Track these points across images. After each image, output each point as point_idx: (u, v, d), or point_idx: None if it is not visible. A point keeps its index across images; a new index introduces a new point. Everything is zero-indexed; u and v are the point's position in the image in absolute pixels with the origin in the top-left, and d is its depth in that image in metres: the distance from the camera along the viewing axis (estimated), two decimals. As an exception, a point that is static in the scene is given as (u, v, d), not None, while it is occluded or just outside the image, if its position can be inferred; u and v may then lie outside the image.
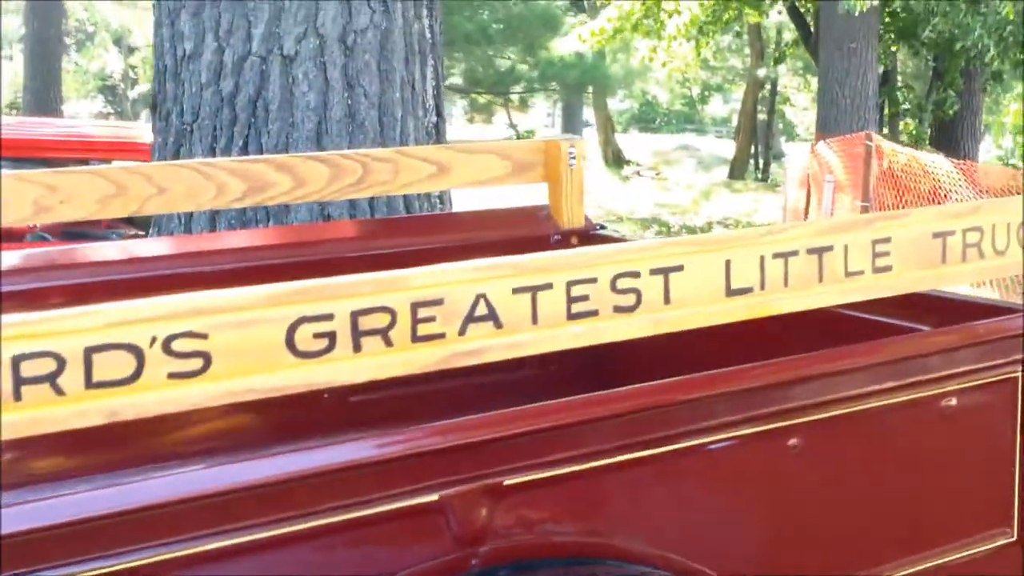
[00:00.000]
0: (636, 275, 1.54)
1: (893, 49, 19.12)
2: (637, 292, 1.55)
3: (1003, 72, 18.10)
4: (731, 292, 1.62)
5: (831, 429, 1.79)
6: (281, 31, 4.36)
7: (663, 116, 47.80)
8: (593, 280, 1.51)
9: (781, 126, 35.89)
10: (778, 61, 25.20)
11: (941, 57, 18.66)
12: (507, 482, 1.52)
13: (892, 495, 1.90)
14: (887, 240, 1.74)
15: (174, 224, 4.41)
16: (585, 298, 1.51)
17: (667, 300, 1.57)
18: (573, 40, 20.13)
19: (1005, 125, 31.55)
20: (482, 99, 26.25)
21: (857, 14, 14.04)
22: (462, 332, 1.44)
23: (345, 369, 1.37)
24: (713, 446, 1.70)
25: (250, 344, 1.31)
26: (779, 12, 22.03)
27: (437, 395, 3.15)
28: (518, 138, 29.77)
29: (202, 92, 4.46)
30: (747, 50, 29.39)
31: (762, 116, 30.01)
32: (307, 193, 3.00)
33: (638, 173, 26.75)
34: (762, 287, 1.64)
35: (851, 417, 1.80)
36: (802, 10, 20.21)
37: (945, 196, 7.47)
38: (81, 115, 33.04)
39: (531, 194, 3.38)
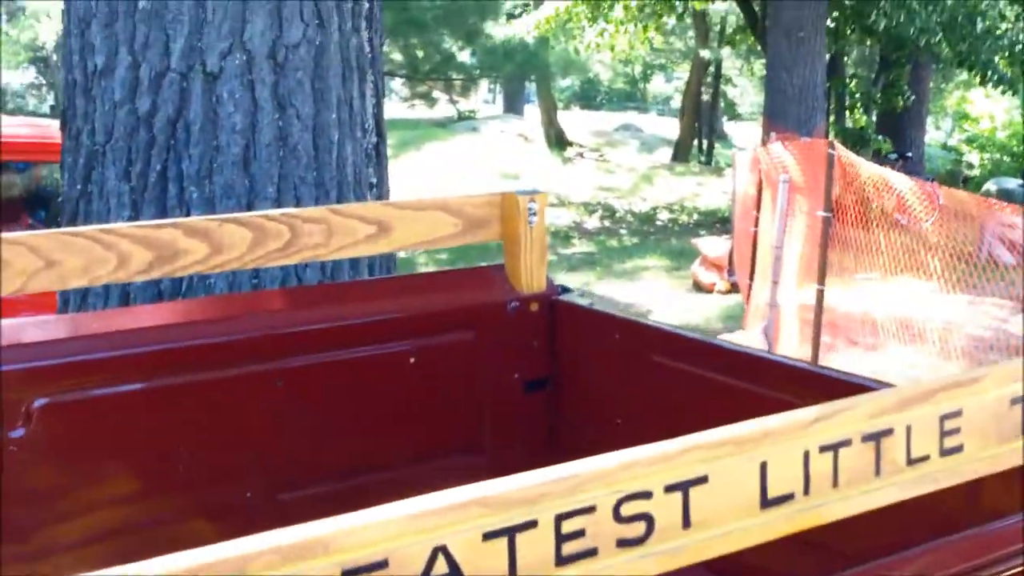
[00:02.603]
0: (647, 496, 1.15)
1: (842, 39, 18.86)
2: (648, 519, 1.15)
3: (951, 59, 17.92)
4: (767, 503, 1.23)
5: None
6: (203, 45, 3.90)
7: (605, 94, 47.46)
8: (590, 510, 1.12)
9: (723, 105, 35.68)
10: (726, 44, 24.91)
11: (888, 45, 18.44)
12: None
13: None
14: (957, 414, 1.36)
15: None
16: (580, 534, 1.11)
17: (686, 524, 1.17)
18: (516, 26, 19.73)
19: (946, 109, 31.64)
20: (423, 86, 25.65)
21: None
22: (414, 601, 1.03)
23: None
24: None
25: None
26: None
27: (371, 486, 2.76)
28: (460, 118, 29.20)
29: (116, 111, 3.99)
30: (691, 32, 29.06)
31: (706, 97, 29.72)
32: (225, 261, 2.58)
33: (581, 155, 26.37)
34: (806, 492, 1.25)
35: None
36: (749, -4, 19.90)
37: (908, 213, 7.18)
38: (12, 85, 32.10)
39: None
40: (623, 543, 1.14)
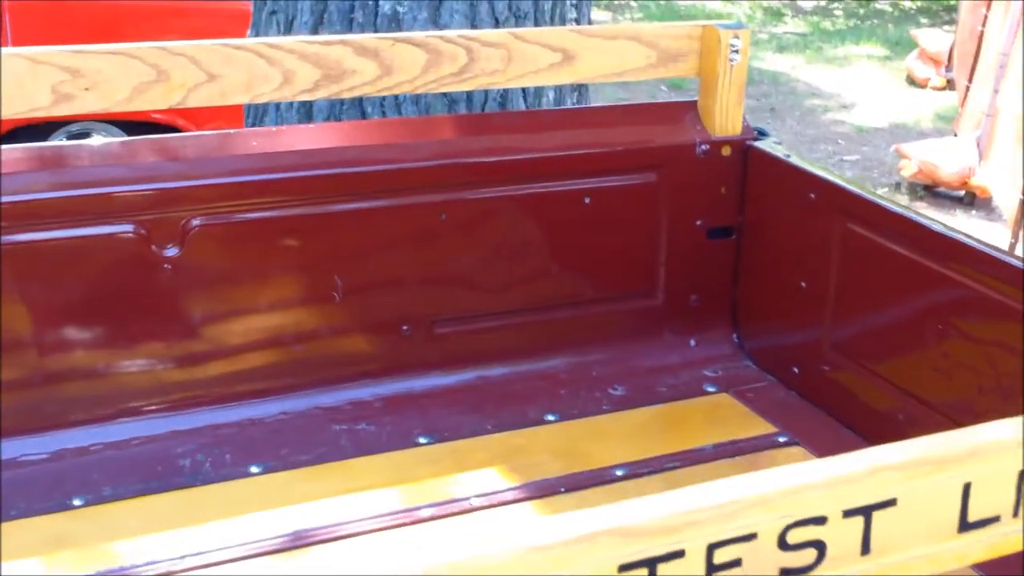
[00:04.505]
0: (821, 521, 0.96)
1: None
2: (819, 545, 0.97)
3: None
4: (966, 527, 1.03)
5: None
6: None
7: None
8: (749, 537, 0.94)
9: None
10: None
11: None
12: None
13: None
14: None
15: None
16: (735, 564, 0.94)
17: (865, 550, 0.99)
18: None
19: None
20: None
21: None
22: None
23: None
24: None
25: None
26: None
27: (533, 326, 2.65)
28: None
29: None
30: None
31: None
32: (395, 84, 2.40)
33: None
34: (1015, 514, 1.05)
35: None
36: None
37: None
38: None
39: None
40: (788, 572, 0.97)
